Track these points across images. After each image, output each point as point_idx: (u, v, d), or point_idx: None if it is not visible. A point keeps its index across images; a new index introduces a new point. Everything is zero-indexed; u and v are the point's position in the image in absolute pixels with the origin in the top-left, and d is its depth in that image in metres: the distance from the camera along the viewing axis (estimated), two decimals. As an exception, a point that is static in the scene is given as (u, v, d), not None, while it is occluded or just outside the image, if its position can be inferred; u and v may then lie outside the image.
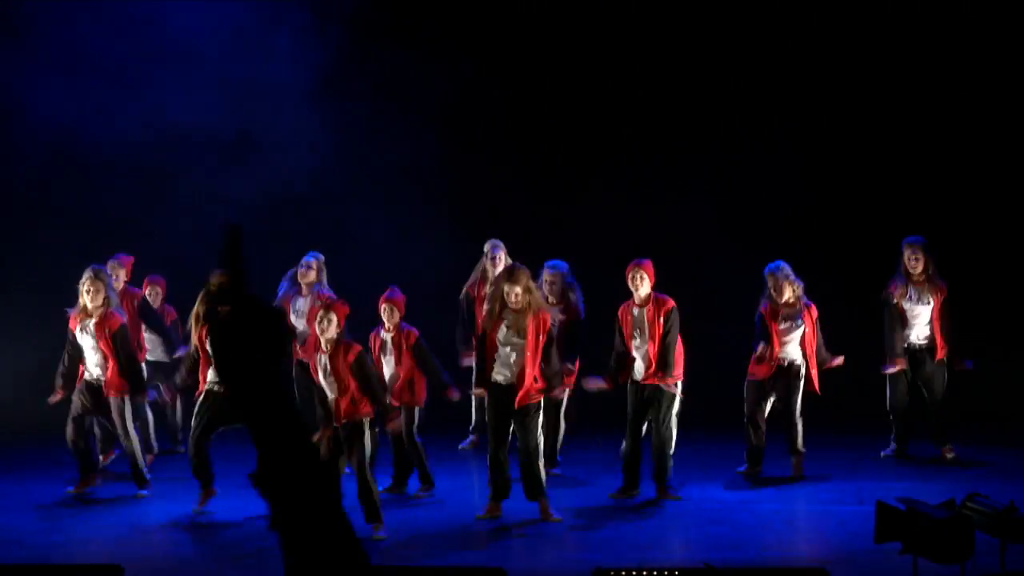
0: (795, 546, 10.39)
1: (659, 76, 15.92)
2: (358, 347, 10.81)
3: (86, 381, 12.02)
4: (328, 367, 10.70)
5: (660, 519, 11.25)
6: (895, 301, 13.13)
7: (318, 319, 10.77)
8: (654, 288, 11.65)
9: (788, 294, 12.35)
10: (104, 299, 11.92)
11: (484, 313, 11.41)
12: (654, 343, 11.54)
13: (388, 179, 15.91)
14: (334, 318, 10.71)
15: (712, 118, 15.87)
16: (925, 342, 13.19)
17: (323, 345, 10.73)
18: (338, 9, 15.73)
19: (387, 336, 11.85)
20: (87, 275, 11.94)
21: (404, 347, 11.76)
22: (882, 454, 13.25)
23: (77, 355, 12.02)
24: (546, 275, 12.45)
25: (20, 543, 10.65)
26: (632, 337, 11.64)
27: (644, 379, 11.64)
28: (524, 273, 11.06)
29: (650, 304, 11.60)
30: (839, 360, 12.54)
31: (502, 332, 11.03)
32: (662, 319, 11.53)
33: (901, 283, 13.16)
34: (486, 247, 13.63)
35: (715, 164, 15.84)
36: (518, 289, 10.92)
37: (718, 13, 15.81)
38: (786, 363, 12.43)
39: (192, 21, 15.36)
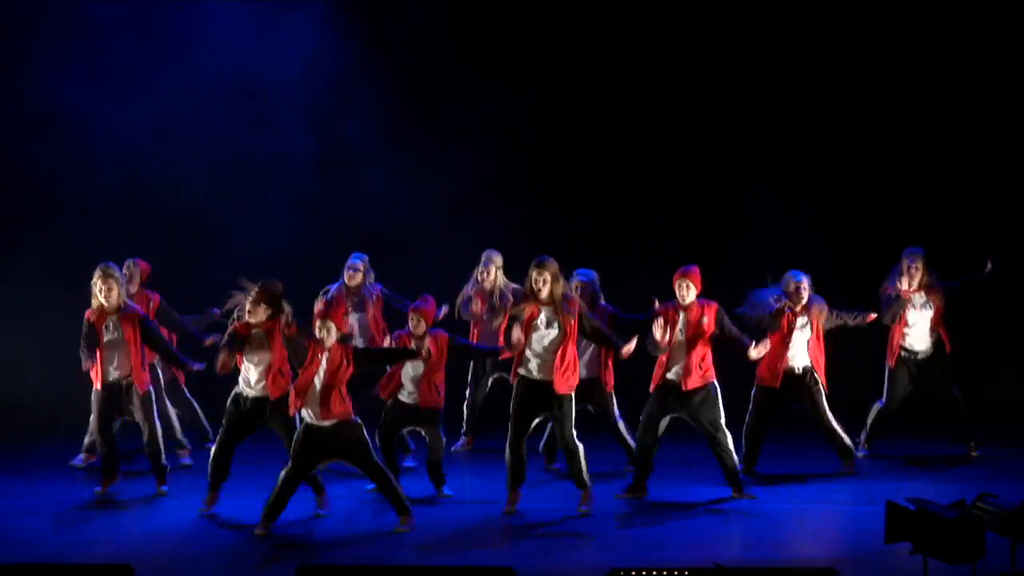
0: (805, 546, 10.37)
1: (692, 93, 16.10)
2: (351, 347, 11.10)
3: (106, 383, 11.98)
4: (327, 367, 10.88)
5: (669, 519, 11.24)
6: (904, 298, 13.11)
7: (317, 329, 10.91)
8: (699, 296, 11.66)
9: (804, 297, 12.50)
10: (118, 294, 11.96)
11: (512, 305, 11.50)
12: (696, 347, 11.54)
13: (448, 201, 16.05)
14: (332, 326, 10.88)
15: (744, 130, 16.03)
16: (927, 352, 13.17)
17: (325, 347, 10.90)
18: (401, 37, 16.04)
19: (416, 344, 11.91)
20: (98, 273, 11.98)
21: (438, 351, 11.88)
22: (860, 455, 13.17)
23: (95, 346, 11.98)
24: (575, 283, 12.51)
25: (30, 543, 10.67)
26: (674, 340, 11.62)
27: (683, 383, 11.61)
28: (552, 262, 11.22)
29: (695, 309, 11.60)
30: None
31: (538, 322, 11.17)
32: (709, 321, 11.55)
33: (893, 288, 13.15)
34: (483, 257, 13.75)
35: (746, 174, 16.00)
36: (547, 275, 11.11)
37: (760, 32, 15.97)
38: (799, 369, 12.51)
39: (258, 49, 15.73)
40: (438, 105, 16.22)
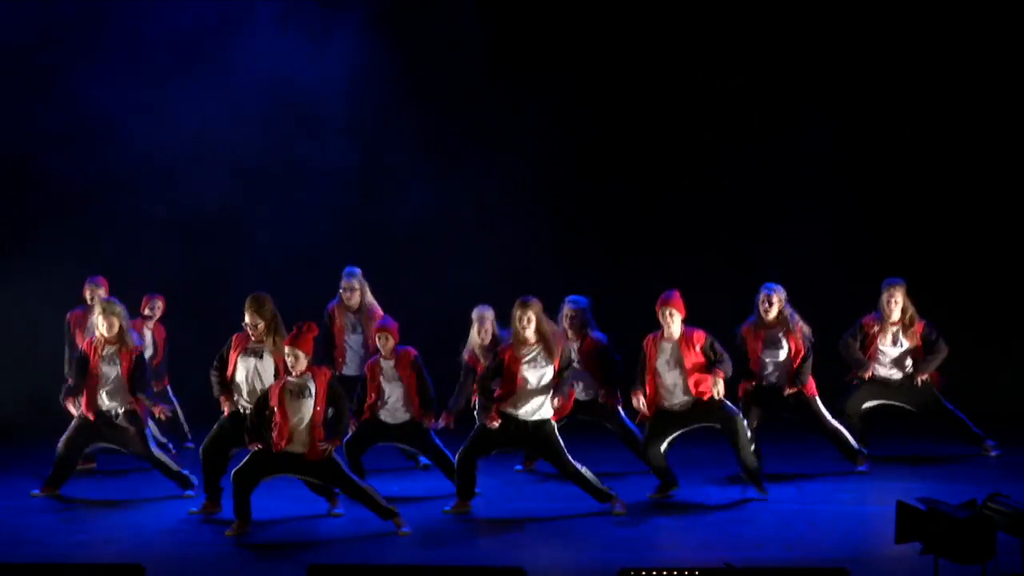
0: (815, 546, 10.35)
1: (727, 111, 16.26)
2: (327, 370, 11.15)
3: (101, 412, 12.00)
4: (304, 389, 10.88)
5: (680, 519, 11.25)
6: (867, 331, 12.99)
7: (286, 355, 10.89)
8: (684, 320, 11.65)
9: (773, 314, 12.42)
10: (120, 327, 12.01)
11: (502, 351, 11.43)
12: (692, 374, 11.53)
13: (489, 214, 16.23)
14: (300, 355, 10.85)
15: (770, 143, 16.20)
16: (900, 375, 13.07)
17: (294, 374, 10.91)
18: (436, 50, 16.28)
19: (387, 363, 12.01)
20: (98, 308, 12.09)
21: (404, 365, 11.97)
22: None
23: (84, 380, 12.03)
24: (566, 310, 12.50)
25: (40, 542, 10.69)
26: (658, 371, 11.59)
27: (682, 406, 11.61)
28: (535, 302, 11.29)
29: (681, 339, 11.59)
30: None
31: (527, 366, 11.23)
32: (698, 349, 11.55)
33: (877, 320, 13.01)
34: (474, 314, 13.71)
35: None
36: (530, 313, 11.17)
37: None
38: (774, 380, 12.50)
39: (294, 61, 16.05)
40: (471, 116, 16.40)
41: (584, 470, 11.34)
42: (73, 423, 12.09)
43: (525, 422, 11.28)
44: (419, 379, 12.00)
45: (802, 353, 12.33)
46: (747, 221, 16.02)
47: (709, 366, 11.54)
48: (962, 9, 15.69)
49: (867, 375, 12.96)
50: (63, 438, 12.11)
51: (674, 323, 11.57)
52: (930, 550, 8.57)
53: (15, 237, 16.43)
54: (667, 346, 11.61)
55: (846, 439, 12.50)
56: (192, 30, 16.04)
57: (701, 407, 11.56)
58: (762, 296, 12.42)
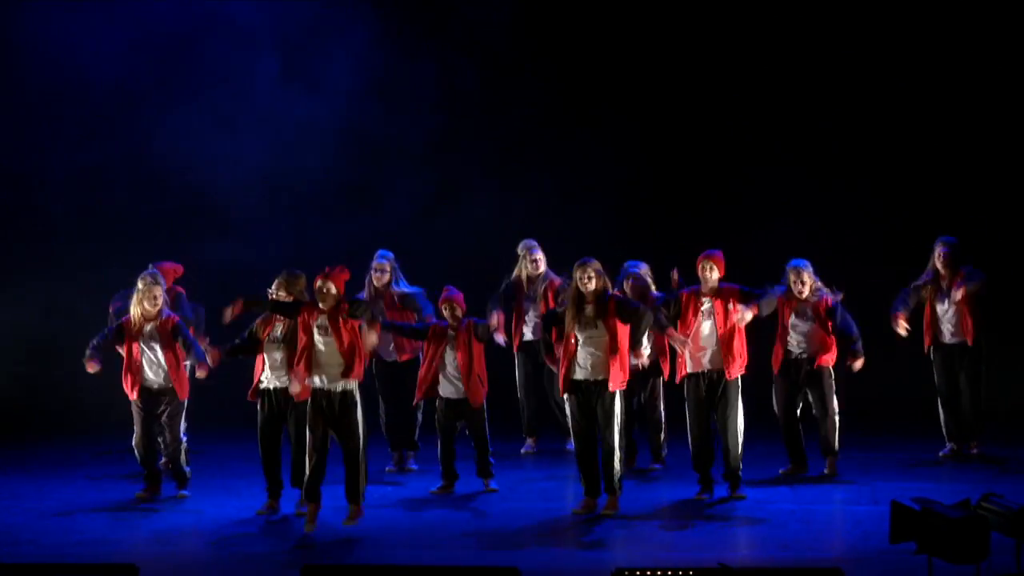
0: (810, 546, 10.36)
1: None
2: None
3: (142, 387, 11.97)
4: (327, 327, 10.83)
5: (674, 518, 11.25)
6: (923, 293, 13.17)
7: (317, 289, 10.88)
8: (722, 279, 11.73)
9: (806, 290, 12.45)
10: (160, 303, 12.01)
11: (561, 315, 11.46)
12: (733, 334, 11.62)
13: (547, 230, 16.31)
14: (332, 287, 10.85)
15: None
16: (956, 340, 13.18)
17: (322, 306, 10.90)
18: (512, 79, 16.59)
19: (451, 333, 12.11)
20: (144, 282, 12.01)
21: (469, 339, 12.09)
22: (940, 454, 13.25)
23: (117, 342, 12.06)
24: (628, 277, 12.64)
25: (35, 543, 10.68)
26: (699, 325, 11.71)
27: (711, 368, 11.70)
28: (595, 261, 11.32)
29: (720, 293, 11.69)
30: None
31: (580, 327, 11.24)
32: (734, 302, 11.64)
33: (930, 279, 13.18)
34: (520, 249, 13.78)
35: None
36: (591, 272, 11.20)
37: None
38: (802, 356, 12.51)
39: (364, 89, 16.36)
40: (534, 140, 16.67)
41: (619, 453, 11.29)
42: (136, 429, 12.01)
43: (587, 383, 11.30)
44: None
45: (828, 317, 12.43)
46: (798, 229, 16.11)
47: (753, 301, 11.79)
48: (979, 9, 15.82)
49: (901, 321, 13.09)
50: (140, 446, 12.05)
51: (712, 277, 11.69)
52: (924, 550, 8.58)
53: (82, 269, 16.42)
54: (705, 301, 11.73)
55: (831, 437, 12.47)
56: (262, 64, 16.28)
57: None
58: (792, 277, 12.47)
